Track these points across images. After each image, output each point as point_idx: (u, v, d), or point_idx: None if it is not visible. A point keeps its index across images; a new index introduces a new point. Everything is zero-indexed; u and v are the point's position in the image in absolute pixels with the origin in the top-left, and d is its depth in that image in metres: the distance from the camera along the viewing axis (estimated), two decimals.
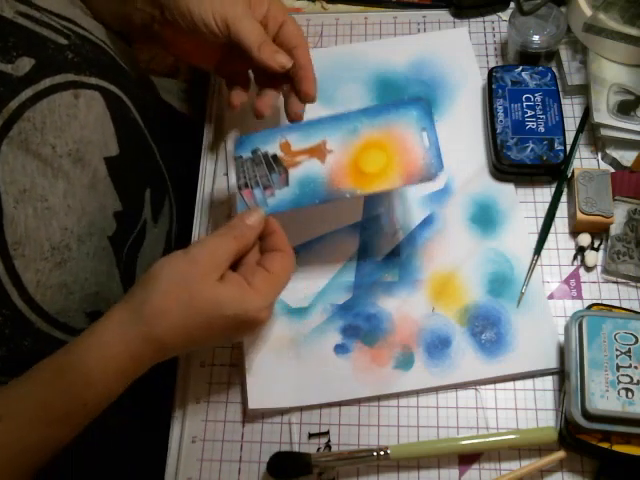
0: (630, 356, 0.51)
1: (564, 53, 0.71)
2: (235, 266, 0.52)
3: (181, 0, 0.56)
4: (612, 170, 0.65)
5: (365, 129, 0.56)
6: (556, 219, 0.64)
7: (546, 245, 0.63)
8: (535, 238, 0.63)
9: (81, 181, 0.56)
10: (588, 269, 0.62)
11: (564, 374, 0.54)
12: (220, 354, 0.61)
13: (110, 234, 0.60)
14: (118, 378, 0.49)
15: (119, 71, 0.64)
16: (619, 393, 0.50)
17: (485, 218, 0.64)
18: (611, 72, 0.67)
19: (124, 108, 0.63)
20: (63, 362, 0.48)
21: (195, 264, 0.48)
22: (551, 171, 0.65)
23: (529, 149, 0.64)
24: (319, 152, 0.56)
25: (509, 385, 0.58)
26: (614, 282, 0.61)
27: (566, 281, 0.61)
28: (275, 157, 0.56)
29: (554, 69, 0.69)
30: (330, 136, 0.56)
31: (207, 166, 0.70)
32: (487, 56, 0.74)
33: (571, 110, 0.69)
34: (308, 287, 0.62)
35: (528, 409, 0.57)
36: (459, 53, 0.74)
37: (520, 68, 0.68)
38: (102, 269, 0.60)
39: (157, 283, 0.48)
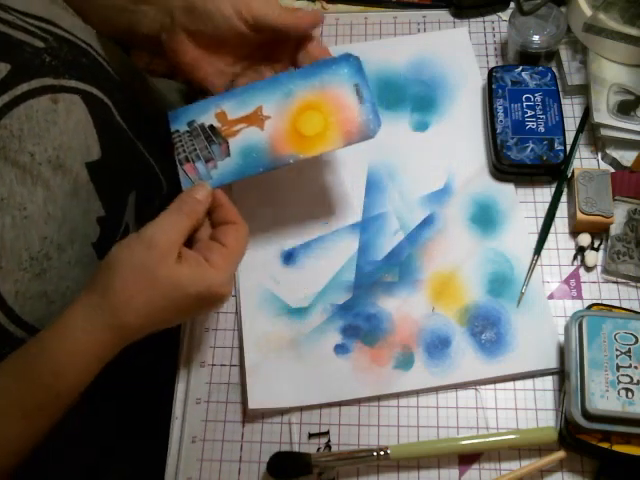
0: (630, 356, 0.51)
1: (564, 53, 0.71)
2: (189, 242, 0.52)
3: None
4: (612, 170, 0.65)
5: (299, 91, 0.56)
6: (556, 219, 0.64)
7: (546, 245, 0.63)
8: (535, 238, 0.63)
9: (62, 188, 0.55)
10: (588, 269, 0.62)
11: (564, 374, 0.54)
12: (220, 354, 0.61)
13: (94, 240, 0.59)
14: (88, 367, 0.49)
15: (102, 73, 0.63)
16: (619, 393, 0.50)
17: (485, 218, 0.64)
18: (611, 72, 0.67)
19: (107, 111, 0.62)
20: (32, 356, 0.48)
21: (151, 247, 0.48)
22: (551, 171, 0.65)
23: (529, 149, 0.64)
24: (256, 119, 0.56)
25: (509, 385, 0.58)
26: (614, 282, 0.61)
27: (566, 281, 0.61)
28: (212, 128, 0.56)
29: (554, 69, 0.69)
30: (265, 102, 0.56)
31: None
32: (487, 56, 0.74)
33: (571, 110, 0.69)
34: (308, 287, 0.62)
35: (528, 409, 0.57)
36: (459, 53, 0.74)
37: (520, 68, 0.68)
38: (85, 276, 0.58)
39: (117, 270, 0.48)
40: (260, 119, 0.56)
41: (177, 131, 0.57)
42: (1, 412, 0.47)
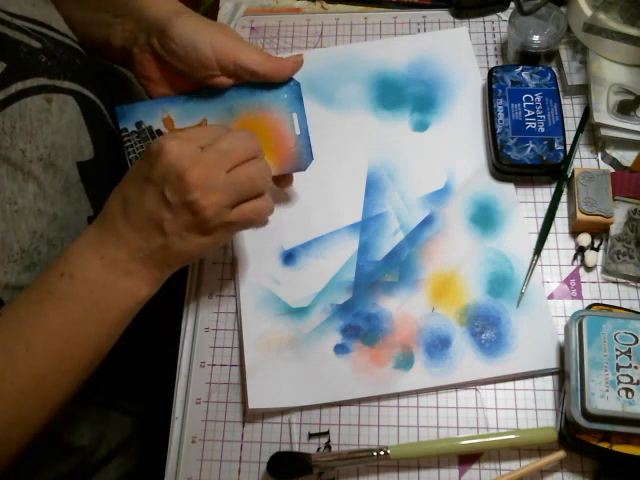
0: (630, 356, 0.51)
1: (564, 53, 0.71)
2: None
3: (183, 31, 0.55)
4: (612, 170, 0.65)
5: (241, 110, 0.58)
6: (556, 219, 0.64)
7: (546, 245, 0.63)
8: (535, 238, 0.63)
9: (53, 186, 0.56)
10: (588, 269, 0.62)
11: (564, 374, 0.54)
12: (220, 354, 0.61)
13: None
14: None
15: (94, 75, 0.63)
16: (619, 393, 0.50)
17: (485, 218, 0.64)
18: (611, 72, 0.67)
19: (99, 112, 0.62)
20: (99, 285, 0.50)
21: None
22: (551, 171, 0.65)
23: (529, 149, 0.64)
24: None
25: (509, 385, 0.58)
26: (614, 282, 0.61)
27: (566, 281, 0.61)
28: (160, 133, 0.57)
29: (554, 69, 0.69)
30: (209, 116, 0.57)
31: None
32: (487, 56, 0.74)
33: (571, 110, 0.69)
34: (308, 287, 0.62)
35: (528, 409, 0.57)
36: (459, 53, 0.74)
37: (520, 68, 0.68)
38: None
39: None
40: None
41: (125, 130, 0.58)
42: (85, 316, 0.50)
